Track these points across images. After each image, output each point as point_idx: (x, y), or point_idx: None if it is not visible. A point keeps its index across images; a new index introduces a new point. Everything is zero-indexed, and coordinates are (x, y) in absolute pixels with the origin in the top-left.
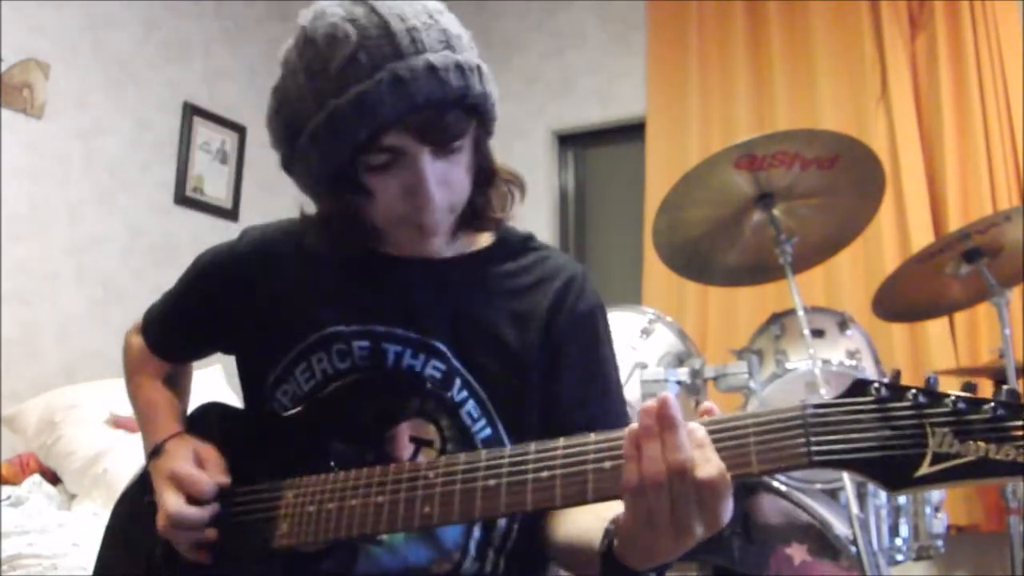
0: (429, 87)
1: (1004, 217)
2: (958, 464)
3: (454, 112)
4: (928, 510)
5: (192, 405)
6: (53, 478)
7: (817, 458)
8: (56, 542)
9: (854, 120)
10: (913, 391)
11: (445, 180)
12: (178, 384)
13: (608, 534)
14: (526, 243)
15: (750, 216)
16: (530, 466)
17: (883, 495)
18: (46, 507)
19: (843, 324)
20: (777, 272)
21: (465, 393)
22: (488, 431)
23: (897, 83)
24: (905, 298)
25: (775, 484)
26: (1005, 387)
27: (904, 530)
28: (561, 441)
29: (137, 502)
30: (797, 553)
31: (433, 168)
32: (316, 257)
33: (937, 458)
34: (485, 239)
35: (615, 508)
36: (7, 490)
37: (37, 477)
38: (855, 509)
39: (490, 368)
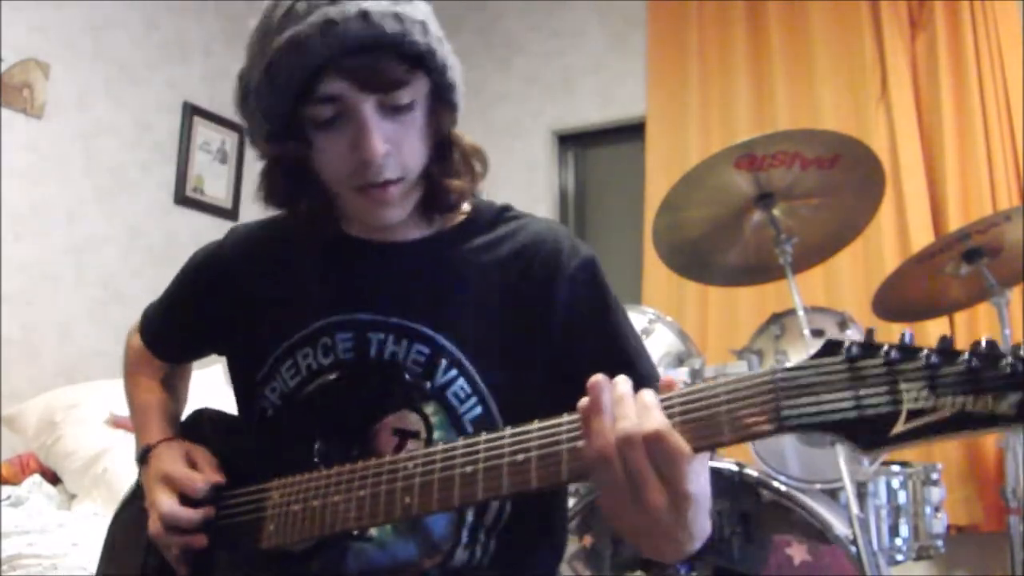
0: (360, 28)
1: (1004, 217)
2: (934, 420)
3: (391, 59)
4: (928, 510)
5: (194, 405)
6: (53, 478)
7: (787, 422)
8: (56, 542)
9: (854, 120)
10: (885, 347)
11: (394, 140)
12: (175, 386)
13: None
14: (501, 213)
15: (750, 216)
16: (506, 450)
17: (883, 495)
18: (46, 507)
19: (843, 324)
20: (777, 272)
21: (454, 371)
22: (479, 409)
23: (897, 83)
24: (905, 298)
25: (775, 484)
26: (984, 338)
27: (904, 530)
28: (535, 423)
29: (134, 511)
30: (797, 553)
31: (380, 124)
32: (299, 252)
33: (912, 415)
34: (459, 215)
35: None
36: (7, 490)
37: (37, 477)
38: (855, 509)
39: (478, 342)
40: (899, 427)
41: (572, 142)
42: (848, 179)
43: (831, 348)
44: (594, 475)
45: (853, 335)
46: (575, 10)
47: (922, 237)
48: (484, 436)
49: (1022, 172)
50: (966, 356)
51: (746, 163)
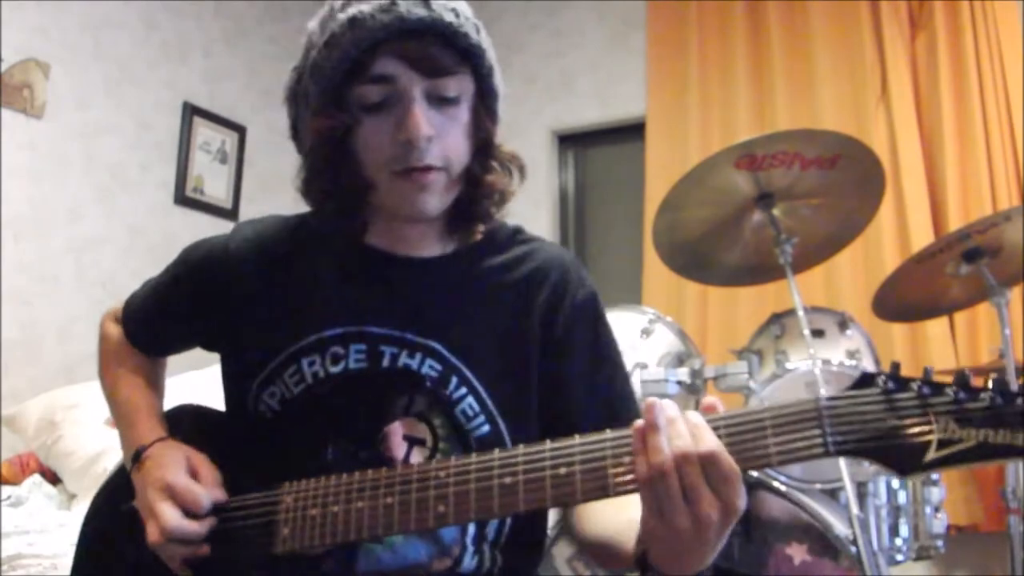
0: (420, 12)
1: (1004, 217)
2: (962, 449)
3: (444, 47)
4: (928, 510)
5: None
6: (53, 478)
7: (834, 448)
8: (56, 542)
9: (854, 120)
10: (917, 383)
11: (439, 129)
12: (155, 381)
13: (642, 542)
14: (515, 236)
15: (750, 216)
16: (547, 463)
17: (883, 495)
18: (46, 507)
19: (843, 324)
20: (777, 272)
21: (464, 390)
22: (486, 428)
23: (897, 83)
24: (905, 298)
25: (775, 484)
26: (993, 376)
27: (904, 530)
28: (577, 438)
29: (112, 509)
30: (797, 553)
31: (427, 112)
32: (312, 257)
33: (942, 444)
34: (476, 234)
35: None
36: (7, 490)
37: (37, 477)
38: (855, 509)
39: (489, 363)
40: (931, 454)
41: (572, 142)
42: (848, 179)
43: (866, 381)
44: (648, 489)
45: (853, 335)
46: (575, 10)
47: (922, 237)
48: (522, 449)
49: (1022, 172)
50: (988, 393)
51: (746, 163)
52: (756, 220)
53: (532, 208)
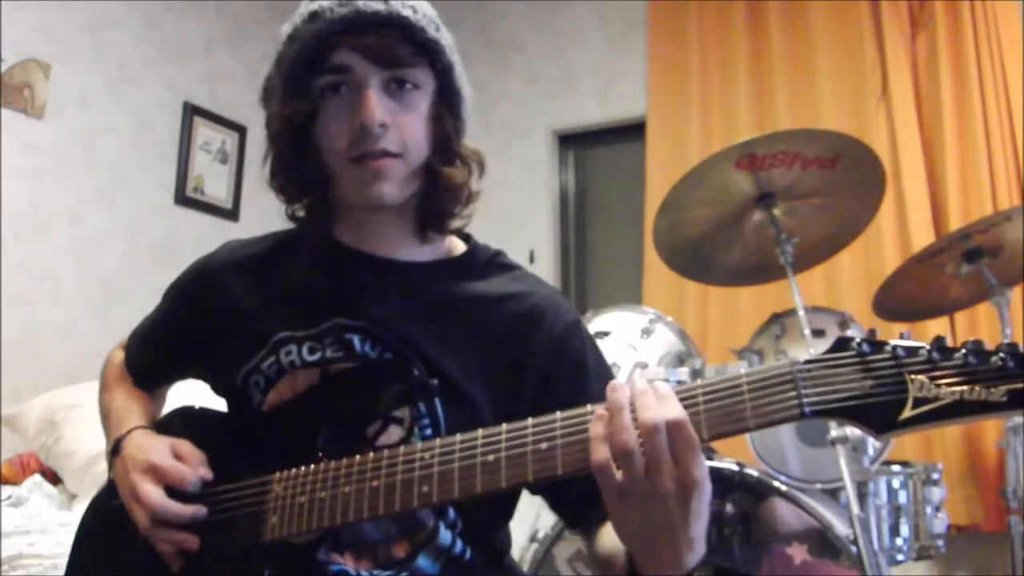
0: (376, 6)
1: (1004, 217)
2: (937, 406)
3: (402, 40)
4: (929, 510)
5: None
6: (54, 478)
7: (809, 409)
8: (57, 542)
9: (854, 120)
10: (891, 344)
11: (395, 117)
12: (154, 400)
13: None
14: (495, 258)
15: (750, 216)
16: (529, 439)
17: (884, 495)
18: (46, 507)
19: (843, 324)
20: (777, 272)
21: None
22: (428, 431)
23: (897, 83)
24: (905, 298)
25: (775, 484)
26: (971, 339)
27: (904, 530)
28: (558, 413)
29: (110, 509)
30: (797, 553)
31: (382, 98)
32: (289, 259)
33: (918, 402)
34: (456, 248)
35: None
36: (7, 490)
37: (38, 477)
38: (855, 509)
39: (443, 374)
40: (907, 412)
41: (572, 142)
42: (848, 179)
43: (842, 344)
44: (604, 475)
45: (854, 334)
46: (575, 10)
47: (922, 237)
48: (505, 427)
49: (1022, 172)
50: (963, 352)
51: (747, 163)
52: (756, 220)
53: (532, 208)
